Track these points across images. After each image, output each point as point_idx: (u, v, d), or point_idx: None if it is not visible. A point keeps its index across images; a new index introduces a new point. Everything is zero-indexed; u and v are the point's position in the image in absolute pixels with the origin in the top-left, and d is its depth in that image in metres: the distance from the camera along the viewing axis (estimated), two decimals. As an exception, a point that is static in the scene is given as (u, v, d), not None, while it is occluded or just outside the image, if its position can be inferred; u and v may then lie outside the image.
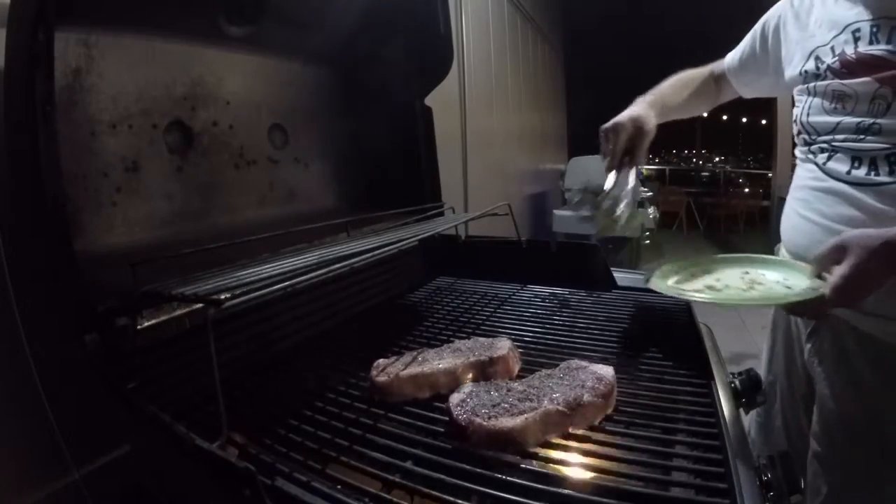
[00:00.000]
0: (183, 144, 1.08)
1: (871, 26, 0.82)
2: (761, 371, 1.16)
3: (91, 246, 0.88)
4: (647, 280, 1.00)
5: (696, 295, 0.90)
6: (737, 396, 0.88)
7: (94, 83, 0.90)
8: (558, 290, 1.31)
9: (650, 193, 5.18)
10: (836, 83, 0.87)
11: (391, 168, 1.56)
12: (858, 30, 0.84)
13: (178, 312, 0.85)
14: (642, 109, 1.17)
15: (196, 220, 1.10)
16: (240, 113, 1.21)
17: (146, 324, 0.80)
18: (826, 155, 0.90)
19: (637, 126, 1.14)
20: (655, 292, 0.96)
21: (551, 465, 0.62)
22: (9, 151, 0.72)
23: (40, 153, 0.64)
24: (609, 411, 0.71)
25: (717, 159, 16.49)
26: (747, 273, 0.99)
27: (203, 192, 1.13)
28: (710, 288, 0.94)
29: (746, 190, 10.40)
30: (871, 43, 0.82)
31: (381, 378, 0.78)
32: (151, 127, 1.01)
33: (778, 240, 1.12)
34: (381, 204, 1.42)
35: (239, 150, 1.21)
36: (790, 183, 1.09)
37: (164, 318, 0.83)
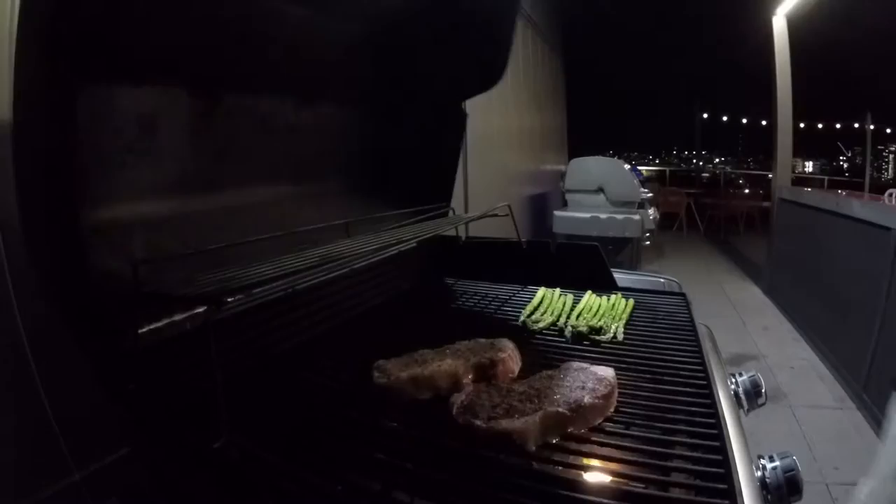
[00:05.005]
0: (206, 106, 0.99)
1: None
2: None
3: (99, 215, 0.85)
4: None
5: None
6: (737, 397, 0.88)
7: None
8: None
9: (650, 194, 5.18)
10: None
11: (412, 163, 1.51)
12: None
13: (179, 315, 0.85)
14: None
15: (206, 193, 1.03)
16: (274, 78, 1.10)
17: (148, 327, 0.80)
18: None
19: None
20: (655, 293, 0.96)
21: (551, 466, 0.62)
22: (16, 145, 0.72)
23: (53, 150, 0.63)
24: (609, 412, 0.71)
25: (717, 160, 16.50)
26: None
27: (218, 160, 1.04)
28: None
29: (747, 191, 10.40)
30: None
31: (382, 379, 0.78)
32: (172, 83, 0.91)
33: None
34: (393, 196, 1.39)
35: (262, 118, 1.12)
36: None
37: (165, 318, 0.83)
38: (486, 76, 1.43)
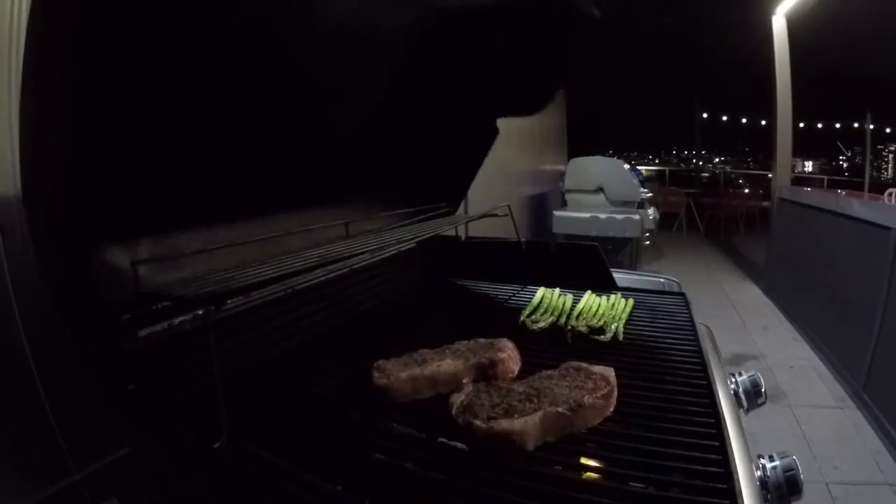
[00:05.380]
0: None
1: None
2: None
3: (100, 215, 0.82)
4: None
5: None
6: (737, 397, 0.88)
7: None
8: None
9: (650, 194, 5.19)
10: None
11: (434, 169, 1.45)
12: None
13: (179, 316, 0.84)
14: None
15: (210, 188, 0.93)
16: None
17: (147, 328, 0.79)
18: None
19: None
20: (655, 293, 0.96)
21: (551, 466, 0.62)
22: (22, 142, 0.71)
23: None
24: (609, 412, 0.71)
25: (717, 160, 16.50)
26: None
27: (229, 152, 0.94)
28: None
29: (746, 191, 10.40)
30: None
31: (382, 379, 0.78)
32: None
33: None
34: (407, 199, 1.36)
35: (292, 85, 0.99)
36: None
37: (164, 318, 0.83)
38: (533, 104, 1.38)
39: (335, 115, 1.16)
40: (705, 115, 13.20)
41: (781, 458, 0.67)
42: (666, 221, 8.25)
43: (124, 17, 0.61)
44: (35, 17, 0.60)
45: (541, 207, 5.61)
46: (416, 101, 1.30)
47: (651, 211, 4.88)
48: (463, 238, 1.53)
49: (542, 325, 1.07)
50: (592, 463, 0.63)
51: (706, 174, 13.36)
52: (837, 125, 14.50)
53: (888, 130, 14.43)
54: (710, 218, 9.10)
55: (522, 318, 1.11)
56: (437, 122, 1.36)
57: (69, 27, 0.56)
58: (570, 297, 1.22)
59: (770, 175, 5.60)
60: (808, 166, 16.65)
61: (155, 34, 0.67)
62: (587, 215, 4.53)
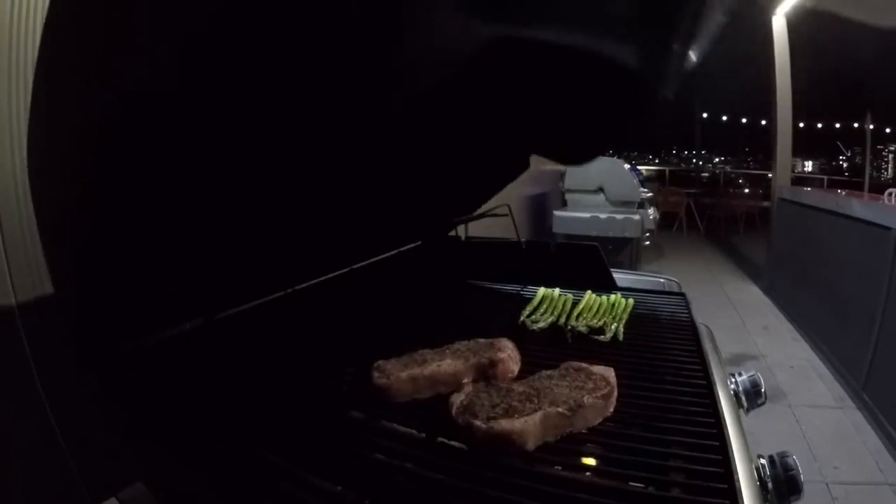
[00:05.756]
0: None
1: None
2: None
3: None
4: None
5: None
6: (737, 397, 0.88)
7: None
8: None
9: (650, 194, 5.19)
10: None
11: (456, 189, 1.38)
12: None
13: (179, 316, 0.84)
14: None
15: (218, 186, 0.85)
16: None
17: (147, 328, 0.79)
18: None
19: None
20: (655, 293, 0.96)
21: (551, 466, 0.62)
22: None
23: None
24: (609, 412, 0.71)
25: (717, 160, 16.51)
26: None
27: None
28: None
29: (747, 190, 10.41)
30: None
31: (381, 379, 0.78)
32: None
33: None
34: (425, 217, 1.33)
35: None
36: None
37: (164, 318, 0.82)
38: (575, 159, 1.33)
39: (366, 133, 0.99)
40: (705, 115, 13.20)
41: (781, 458, 0.67)
42: (666, 221, 8.25)
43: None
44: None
45: (541, 207, 5.61)
46: (454, 124, 1.16)
47: (651, 211, 4.88)
48: (463, 238, 1.53)
49: (542, 325, 1.07)
50: (592, 463, 0.63)
51: (706, 174, 13.36)
52: (837, 125, 14.49)
53: (888, 130, 14.41)
54: (710, 218, 9.10)
55: (522, 318, 1.11)
56: (473, 148, 1.27)
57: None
58: (570, 297, 1.22)
59: (770, 175, 5.60)
60: (808, 166, 16.64)
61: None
62: (587, 215, 4.53)
